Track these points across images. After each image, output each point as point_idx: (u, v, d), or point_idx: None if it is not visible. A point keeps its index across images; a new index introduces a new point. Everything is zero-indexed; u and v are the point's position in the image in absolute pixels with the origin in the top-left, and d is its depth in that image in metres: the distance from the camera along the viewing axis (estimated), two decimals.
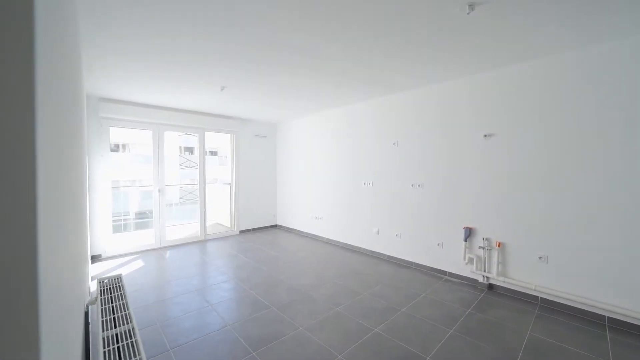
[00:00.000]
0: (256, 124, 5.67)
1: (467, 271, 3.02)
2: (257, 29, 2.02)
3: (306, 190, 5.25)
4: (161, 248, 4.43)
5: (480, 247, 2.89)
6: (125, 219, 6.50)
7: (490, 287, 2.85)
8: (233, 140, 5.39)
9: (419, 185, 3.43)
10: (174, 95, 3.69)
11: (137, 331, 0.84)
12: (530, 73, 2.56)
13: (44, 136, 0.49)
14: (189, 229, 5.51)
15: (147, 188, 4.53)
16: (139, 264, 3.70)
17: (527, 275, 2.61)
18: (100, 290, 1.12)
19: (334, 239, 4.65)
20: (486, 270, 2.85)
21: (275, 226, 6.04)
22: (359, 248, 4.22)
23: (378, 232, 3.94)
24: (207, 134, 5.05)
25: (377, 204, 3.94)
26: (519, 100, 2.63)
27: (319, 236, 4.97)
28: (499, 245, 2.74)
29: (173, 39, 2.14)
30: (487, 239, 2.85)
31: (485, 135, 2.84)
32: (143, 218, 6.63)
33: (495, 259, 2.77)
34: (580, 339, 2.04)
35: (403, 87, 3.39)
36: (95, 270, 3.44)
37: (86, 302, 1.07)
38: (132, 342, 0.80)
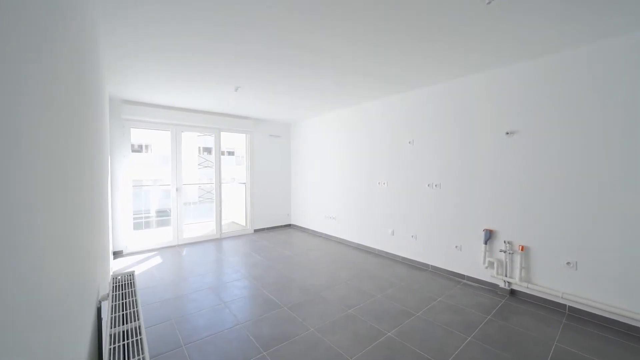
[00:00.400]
0: (270, 124, 5.71)
1: (487, 275, 2.88)
2: (272, 30, 2.02)
3: (320, 190, 5.23)
4: (179, 245, 4.56)
5: (501, 251, 2.74)
6: (146, 217, 6.76)
7: (512, 293, 2.70)
8: (248, 140, 5.46)
9: (435, 185, 3.31)
10: (190, 96, 3.77)
11: (143, 329, 0.84)
12: (555, 67, 2.39)
13: (21, 136, 0.48)
14: (206, 227, 5.64)
15: (167, 187, 4.67)
16: (157, 260, 3.83)
17: (553, 282, 2.44)
18: (113, 287, 1.15)
19: (348, 239, 4.59)
20: (508, 275, 2.70)
21: (289, 225, 6.06)
22: (373, 249, 4.14)
23: (393, 233, 3.84)
24: (224, 134, 5.15)
25: (392, 204, 3.85)
26: (544, 95, 2.47)
27: (332, 236, 4.94)
28: (522, 249, 2.59)
29: (187, 38, 2.18)
30: (509, 242, 2.70)
31: (508, 133, 2.69)
32: (164, 216, 6.86)
33: (517, 264, 2.62)
34: (614, 353, 1.88)
35: (419, 83, 3.28)
36: (117, 266, 3.58)
37: (99, 298, 1.10)
38: (137, 340, 0.80)
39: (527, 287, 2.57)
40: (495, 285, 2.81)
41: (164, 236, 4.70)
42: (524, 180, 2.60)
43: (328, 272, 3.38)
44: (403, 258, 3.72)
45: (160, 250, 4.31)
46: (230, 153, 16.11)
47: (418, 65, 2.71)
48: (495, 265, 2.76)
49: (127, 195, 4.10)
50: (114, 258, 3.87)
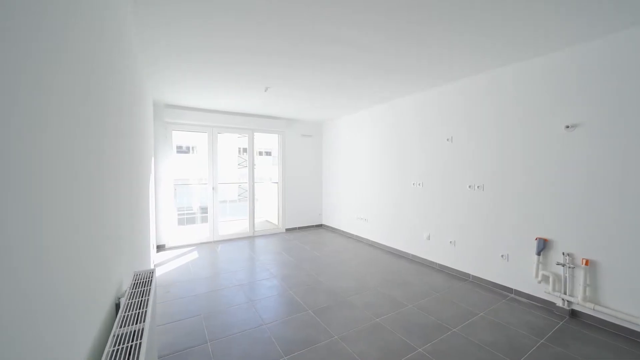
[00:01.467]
0: (302, 124, 5.72)
1: (539, 291, 2.50)
2: (304, 26, 1.98)
3: (351, 190, 5.09)
4: (214, 242, 4.78)
5: (559, 264, 2.35)
6: (189, 213, 7.24)
7: (573, 314, 2.30)
8: (280, 140, 5.53)
9: (477, 187, 2.98)
10: (224, 98, 3.91)
11: (145, 333, 0.82)
12: (631, 43, 1.96)
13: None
14: (241, 225, 5.84)
15: (206, 186, 4.91)
16: (194, 255, 4.04)
17: (630, 306, 2.01)
18: (133, 284, 1.18)
19: (380, 242, 4.39)
20: (567, 293, 2.31)
21: (320, 226, 6.02)
22: (407, 254, 3.89)
23: (429, 238, 3.56)
24: (260, 135, 5.30)
25: (428, 206, 3.57)
26: (616, 81, 2.04)
27: (363, 238, 4.77)
28: (586, 264, 2.19)
29: (215, 39, 2.20)
30: (569, 255, 2.30)
31: (568, 126, 2.29)
32: (206, 213, 7.29)
33: (580, 280, 2.22)
34: None
35: (460, 75, 2.97)
36: (158, 259, 3.86)
37: (119, 294, 1.13)
38: (136, 344, 0.78)
39: (594, 310, 2.16)
40: (551, 304, 2.42)
41: (201, 232, 4.96)
42: (589, 182, 2.19)
43: (357, 275, 3.24)
44: (440, 265, 3.42)
45: (198, 245, 4.56)
46: (268, 153, 16.68)
47: (462, 56, 2.45)
48: (550, 280, 2.38)
49: (169, 193, 4.40)
50: (157, 251, 4.18)
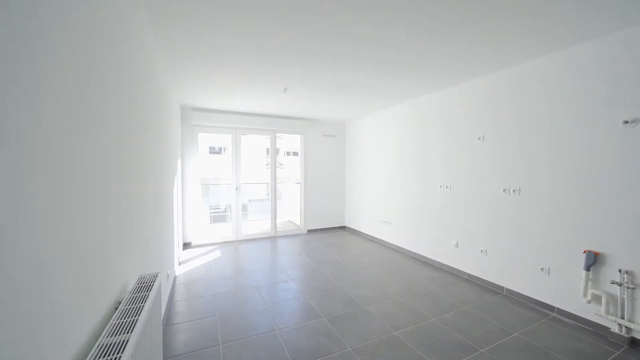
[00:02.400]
0: (324, 124, 5.64)
1: (589, 313, 2.17)
2: (315, 24, 1.90)
3: (374, 192, 4.91)
4: (237, 241, 4.88)
5: (614, 283, 2.01)
6: (217, 212, 7.52)
7: (634, 342, 1.95)
8: (302, 140, 5.50)
9: (513, 191, 2.67)
10: (244, 100, 3.95)
11: (130, 346, 0.79)
12: None
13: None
14: (263, 225, 5.92)
15: (229, 186, 5.03)
16: (217, 254, 4.15)
17: None
18: (136, 287, 1.18)
19: (404, 247, 4.17)
20: (626, 318, 1.96)
21: (343, 227, 5.90)
22: (432, 261, 3.64)
23: (457, 245, 3.29)
24: (285, 135, 5.31)
25: (456, 211, 3.30)
26: None
27: (387, 242, 4.56)
28: None
29: (226, 38, 2.19)
30: (627, 272, 1.96)
31: (626, 122, 1.95)
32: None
33: None
34: None
35: (493, 67, 2.69)
36: (184, 256, 4.01)
37: (120, 298, 1.13)
38: (116, 357, 0.75)
39: None
40: (604, 328, 2.08)
41: (225, 231, 5.09)
42: None
43: (377, 282, 3.09)
44: (469, 275, 3.14)
45: (221, 244, 4.69)
46: (295, 154, 16.90)
47: (492, 49, 2.20)
48: (603, 300, 2.05)
49: (196, 192, 4.57)
50: (183, 249, 4.36)
